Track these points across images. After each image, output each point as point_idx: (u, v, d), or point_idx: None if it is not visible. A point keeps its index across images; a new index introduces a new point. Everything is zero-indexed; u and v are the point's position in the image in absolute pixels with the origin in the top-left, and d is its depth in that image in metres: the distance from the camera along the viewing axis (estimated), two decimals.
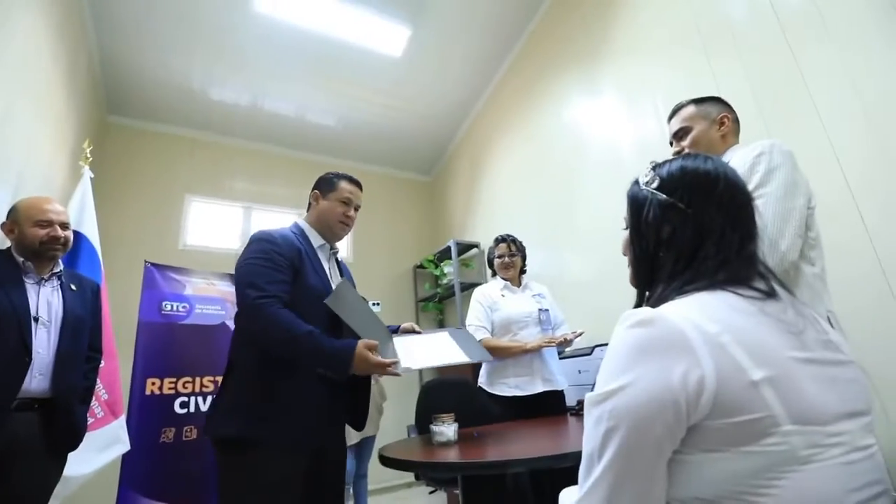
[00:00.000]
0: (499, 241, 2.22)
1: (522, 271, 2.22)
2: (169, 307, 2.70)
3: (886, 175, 1.40)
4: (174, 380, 2.57)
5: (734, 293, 0.55)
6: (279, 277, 1.26)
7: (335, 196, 1.49)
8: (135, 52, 3.28)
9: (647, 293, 0.67)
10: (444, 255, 4.24)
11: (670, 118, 1.34)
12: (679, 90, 2.05)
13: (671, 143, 1.31)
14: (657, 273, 0.65)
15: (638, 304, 0.69)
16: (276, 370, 1.21)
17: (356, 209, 1.53)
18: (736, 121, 1.28)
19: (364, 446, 2.80)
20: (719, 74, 1.98)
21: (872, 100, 1.45)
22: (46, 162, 2.52)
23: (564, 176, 3.02)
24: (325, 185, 1.51)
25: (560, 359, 2.16)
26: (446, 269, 4.20)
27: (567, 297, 2.65)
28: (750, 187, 0.98)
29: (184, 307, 2.75)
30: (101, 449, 2.09)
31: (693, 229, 0.61)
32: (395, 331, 1.60)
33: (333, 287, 1.36)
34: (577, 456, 0.56)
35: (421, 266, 4.61)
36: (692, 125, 1.25)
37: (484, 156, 4.13)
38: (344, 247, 4.61)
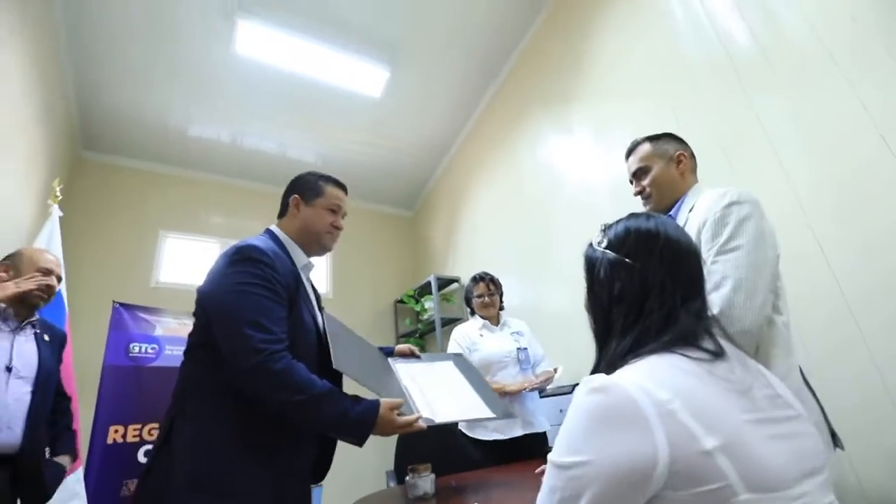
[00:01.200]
0: (477, 280, 2.21)
1: (500, 308, 2.21)
2: (137, 349, 2.59)
3: (843, 214, 1.46)
4: (139, 426, 2.43)
5: (683, 356, 0.56)
6: (282, 314, 1.04)
7: (323, 202, 1.27)
8: (112, 87, 3.28)
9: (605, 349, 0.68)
10: (425, 290, 4.21)
11: (627, 156, 1.32)
12: (644, 129, 2.12)
13: (631, 182, 1.31)
14: (612, 329, 0.67)
15: (597, 362, 0.69)
16: (257, 426, 1.00)
17: (343, 216, 1.33)
18: (692, 157, 1.27)
19: None
20: (681, 119, 2.06)
21: (822, 143, 1.54)
22: (15, 199, 2.45)
23: (541, 212, 3.08)
24: (307, 188, 1.28)
25: (541, 397, 2.14)
26: (427, 305, 4.17)
27: (547, 332, 2.65)
28: (721, 240, 0.98)
29: (153, 349, 2.65)
30: None
31: (639, 283, 0.64)
32: (391, 353, 1.48)
33: (319, 319, 1.20)
34: None
35: (401, 301, 4.57)
36: (650, 164, 1.24)
37: (463, 192, 4.19)
38: (324, 282, 4.55)
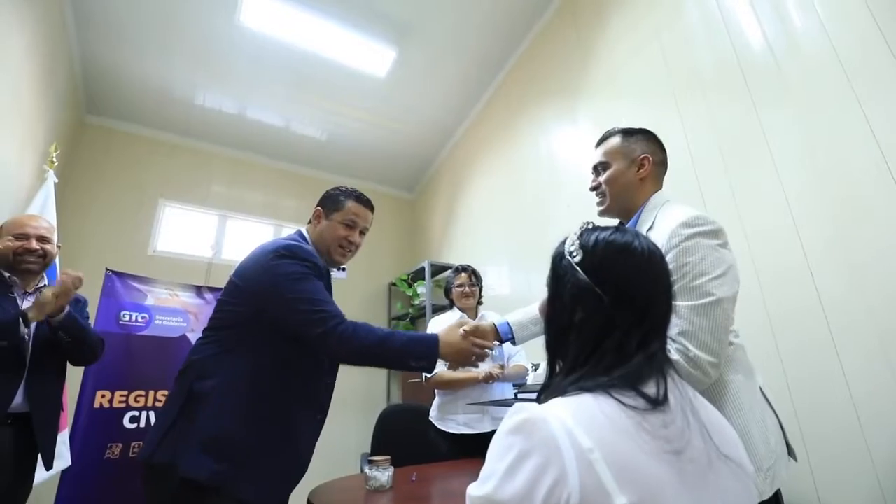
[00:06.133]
0: (459, 270, 2.23)
1: (479, 302, 2.22)
2: (127, 317, 2.64)
3: (837, 240, 1.43)
4: (126, 393, 2.50)
5: (617, 401, 0.52)
6: (329, 298, 1.21)
7: (339, 217, 1.34)
8: (116, 52, 3.25)
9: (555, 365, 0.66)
10: (419, 275, 4.22)
11: (597, 145, 1.22)
12: (649, 128, 2.07)
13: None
14: (563, 354, 0.64)
15: (545, 384, 0.67)
16: (270, 399, 1.10)
17: (362, 233, 1.38)
18: (661, 164, 1.17)
19: None
20: (687, 121, 2.00)
21: (823, 161, 1.49)
22: (13, 165, 2.46)
23: (540, 205, 3.04)
24: (329, 202, 1.37)
25: (516, 395, 2.15)
26: (419, 290, 4.18)
27: None
28: (685, 275, 0.89)
29: (143, 318, 2.70)
30: (40, 465, 2.02)
31: (603, 320, 0.59)
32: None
33: None
34: None
35: (395, 284, 4.59)
36: (611, 161, 1.15)
37: (464, 179, 4.15)
38: None
